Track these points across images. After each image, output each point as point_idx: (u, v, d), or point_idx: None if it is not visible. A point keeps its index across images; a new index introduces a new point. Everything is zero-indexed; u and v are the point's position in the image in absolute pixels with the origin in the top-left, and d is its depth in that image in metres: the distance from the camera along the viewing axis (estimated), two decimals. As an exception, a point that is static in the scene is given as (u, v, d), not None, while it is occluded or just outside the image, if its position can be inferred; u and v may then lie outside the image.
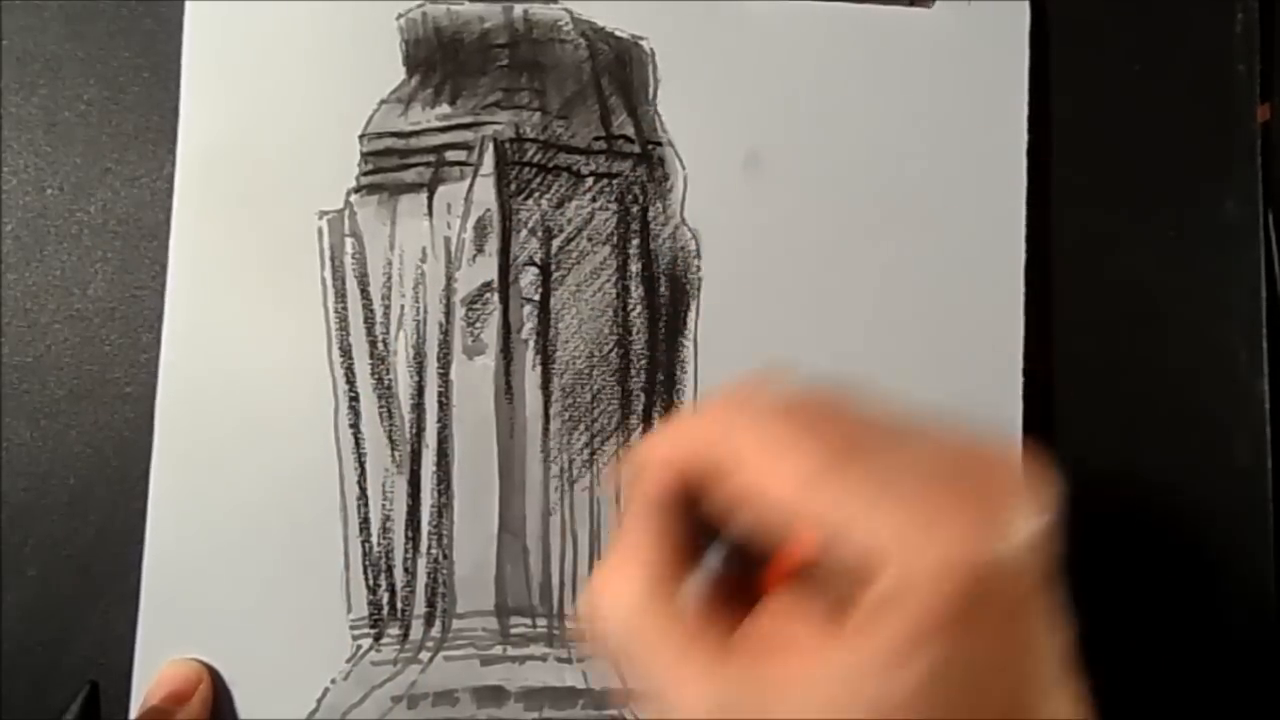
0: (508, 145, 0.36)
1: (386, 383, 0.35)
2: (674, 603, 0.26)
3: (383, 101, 0.36)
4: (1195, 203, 0.38)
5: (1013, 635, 0.25)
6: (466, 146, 0.36)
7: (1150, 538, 0.36)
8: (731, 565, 0.27)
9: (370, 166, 0.36)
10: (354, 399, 0.35)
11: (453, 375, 0.36)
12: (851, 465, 0.24)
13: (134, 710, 0.33)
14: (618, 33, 0.36)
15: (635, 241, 0.36)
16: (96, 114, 0.37)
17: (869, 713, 0.23)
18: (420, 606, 0.35)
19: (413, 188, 0.36)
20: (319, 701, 0.34)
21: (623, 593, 0.26)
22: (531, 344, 0.36)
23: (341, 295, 0.35)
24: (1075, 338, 0.37)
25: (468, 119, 0.36)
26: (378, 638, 0.35)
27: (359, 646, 0.35)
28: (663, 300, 0.36)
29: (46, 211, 0.36)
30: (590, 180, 0.36)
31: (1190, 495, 0.37)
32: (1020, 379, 0.35)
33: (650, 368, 0.36)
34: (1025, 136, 0.36)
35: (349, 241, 0.36)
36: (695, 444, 0.27)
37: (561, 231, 0.36)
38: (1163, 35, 0.38)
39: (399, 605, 0.35)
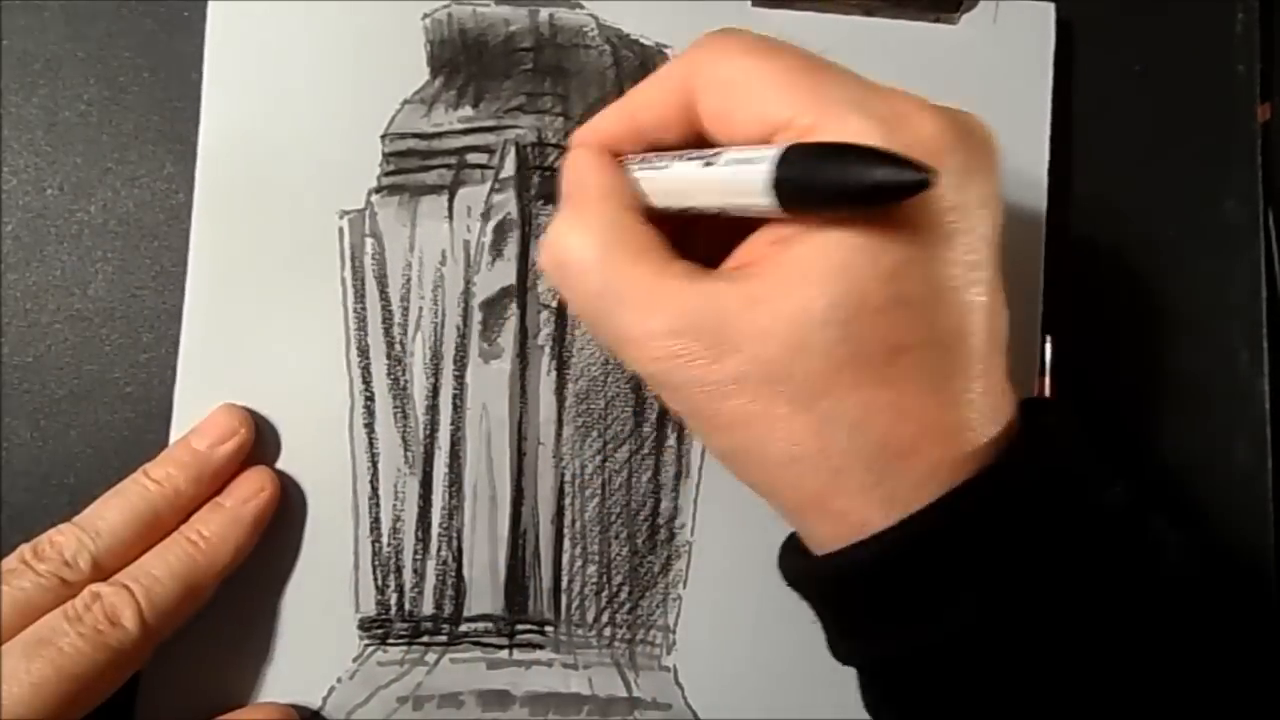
0: (529, 150, 0.36)
1: (402, 384, 0.35)
2: (639, 238, 0.26)
3: (406, 102, 0.36)
4: (1195, 203, 0.38)
5: (970, 224, 0.25)
6: (488, 150, 0.36)
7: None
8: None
9: (392, 167, 0.36)
10: (369, 399, 0.35)
11: (468, 378, 0.36)
12: (829, 68, 0.26)
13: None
14: (642, 40, 0.36)
15: (653, 249, 0.36)
16: (96, 114, 0.36)
17: (846, 295, 0.24)
18: (428, 608, 0.35)
19: (434, 189, 0.36)
20: (324, 700, 0.34)
21: (586, 233, 0.27)
22: (548, 349, 0.36)
23: (361, 295, 0.35)
24: (1075, 337, 0.37)
25: (490, 122, 0.36)
26: (385, 638, 0.35)
27: (366, 647, 0.35)
28: None
29: (46, 211, 0.36)
30: None
31: (1190, 495, 0.37)
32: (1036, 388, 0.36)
33: None
34: (1047, 149, 0.37)
35: (369, 242, 0.36)
36: (662, 87, 0.28)
37: (581, 237, 0.36)
38: (1163, 35, 0.38)
39: (407, 606, 0.35)
